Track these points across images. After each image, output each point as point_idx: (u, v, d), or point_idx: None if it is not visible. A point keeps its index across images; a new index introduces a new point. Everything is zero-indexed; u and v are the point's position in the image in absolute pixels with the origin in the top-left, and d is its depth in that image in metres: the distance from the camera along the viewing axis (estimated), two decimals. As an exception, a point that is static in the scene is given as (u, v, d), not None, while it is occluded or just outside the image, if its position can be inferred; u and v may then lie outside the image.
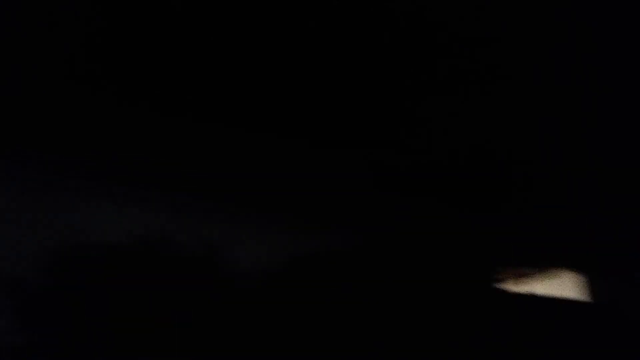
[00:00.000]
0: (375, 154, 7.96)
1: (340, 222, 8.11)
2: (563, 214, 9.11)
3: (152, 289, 5.05)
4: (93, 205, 6.33)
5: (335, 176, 8.02)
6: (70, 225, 5.88)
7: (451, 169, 8.61)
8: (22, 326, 4.93)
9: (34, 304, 5.00)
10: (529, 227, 9.09)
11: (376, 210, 8.31)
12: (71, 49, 6.00)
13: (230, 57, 6.56)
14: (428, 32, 7.07)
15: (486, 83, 7.86)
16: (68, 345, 4.95)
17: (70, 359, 4.94)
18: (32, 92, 6.02)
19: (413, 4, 6.86)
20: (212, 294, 5.26)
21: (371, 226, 8.14)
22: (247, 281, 5.61)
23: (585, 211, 9.15)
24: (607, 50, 7.82)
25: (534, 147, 8.91)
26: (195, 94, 6.61)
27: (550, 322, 7.16)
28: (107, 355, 4.98)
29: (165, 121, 6.60)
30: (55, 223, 5.83)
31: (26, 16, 5.71)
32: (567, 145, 9.02)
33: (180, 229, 5.91)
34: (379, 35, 6.88)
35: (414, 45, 7.08)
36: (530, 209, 9.16)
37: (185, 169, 6.97)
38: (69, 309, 5.03)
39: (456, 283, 7.59)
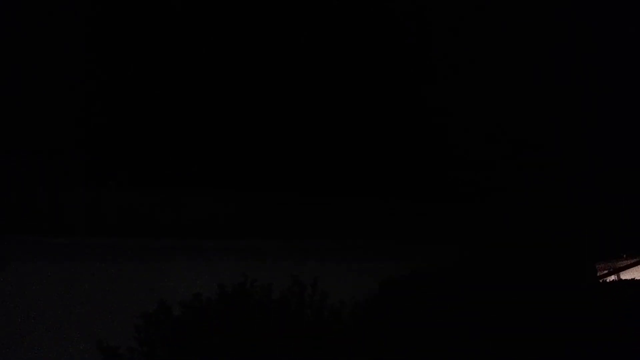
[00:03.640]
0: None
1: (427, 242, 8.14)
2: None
3: (245, 334, 5.21)
4: (183, 263, 6.64)
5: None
6: (162, 287, 6.18)
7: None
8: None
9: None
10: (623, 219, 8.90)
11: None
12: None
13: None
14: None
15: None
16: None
17: None
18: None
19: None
20: (302, 331, 5.37)
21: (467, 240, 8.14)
22: (336, 314, 5.71)
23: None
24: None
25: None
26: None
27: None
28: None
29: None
30: (147, 287, 6.14)
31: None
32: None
33: (265, 271, 6.08)
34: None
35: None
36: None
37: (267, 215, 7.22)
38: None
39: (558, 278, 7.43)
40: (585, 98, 9.00)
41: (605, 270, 9.30)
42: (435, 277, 6.94)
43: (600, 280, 8.82)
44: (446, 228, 8.21)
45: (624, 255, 9.03)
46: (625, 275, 9.28)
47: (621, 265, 9.29)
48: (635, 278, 8.07)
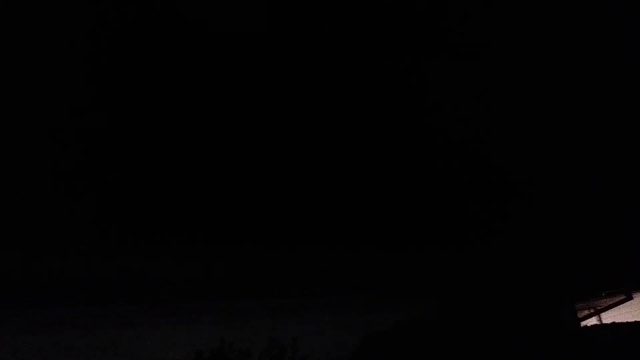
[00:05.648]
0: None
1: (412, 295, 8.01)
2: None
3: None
4: (159, 327, 6.45)
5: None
6: (140, 354, 6.01)
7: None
8: None
9: None
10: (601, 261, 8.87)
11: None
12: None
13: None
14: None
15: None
16: None
17: None
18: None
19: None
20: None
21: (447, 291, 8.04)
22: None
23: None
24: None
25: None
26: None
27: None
28: None
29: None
30: (125, 354, 5.96)
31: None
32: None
33: (243, 330, 5.97)
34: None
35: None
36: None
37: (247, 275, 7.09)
38: None
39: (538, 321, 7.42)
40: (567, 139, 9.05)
41: (586, 310, 9.24)
42: (417, 328, 6.86)
43: (581, 324, 8.77)
44: (424, 276, 8.14)
45: (603, 294, 9.00)
46: (606, 315, 9.24)
47: (602, 306, 9.23)
48: (616, 321, 8.05)
